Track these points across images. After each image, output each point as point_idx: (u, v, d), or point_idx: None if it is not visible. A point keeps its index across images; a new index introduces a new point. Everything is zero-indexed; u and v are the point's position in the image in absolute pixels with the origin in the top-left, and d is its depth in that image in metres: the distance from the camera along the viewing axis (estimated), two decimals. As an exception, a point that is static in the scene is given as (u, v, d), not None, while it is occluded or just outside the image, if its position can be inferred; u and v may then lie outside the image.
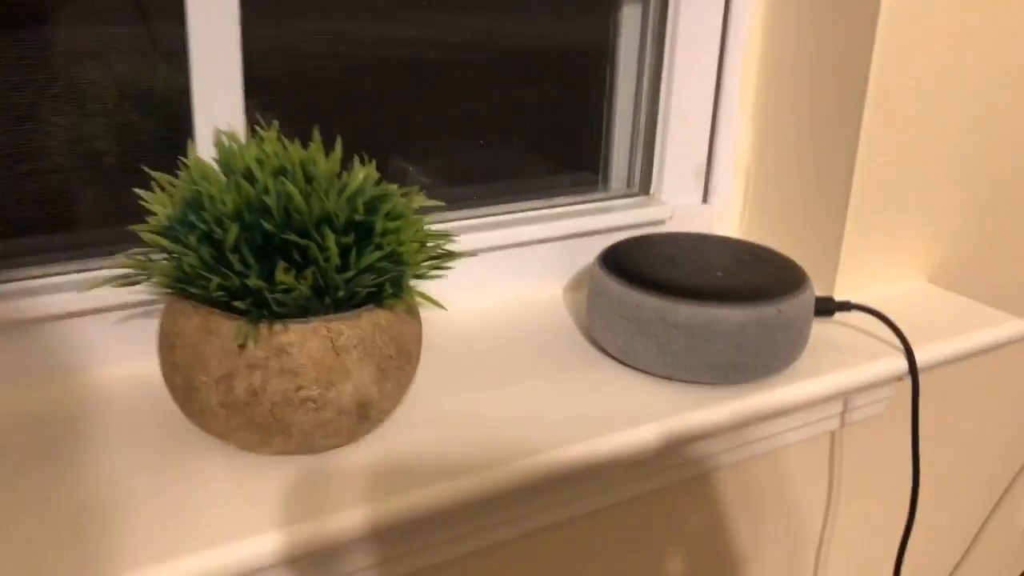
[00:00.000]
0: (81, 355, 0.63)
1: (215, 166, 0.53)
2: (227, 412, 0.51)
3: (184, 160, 0.53)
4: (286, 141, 0.54)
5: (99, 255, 0.65)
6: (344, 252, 0.51)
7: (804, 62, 0.80)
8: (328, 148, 0.55)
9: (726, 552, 0.88)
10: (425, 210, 0.57)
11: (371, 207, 0.53)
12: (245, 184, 0.50)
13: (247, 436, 0.52)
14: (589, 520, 0.75)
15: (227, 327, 0.50)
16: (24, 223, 0.63)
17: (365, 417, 0.54)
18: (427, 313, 0.75)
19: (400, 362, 0.54)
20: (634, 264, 0.69)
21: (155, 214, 0.52)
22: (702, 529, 0.84)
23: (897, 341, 0.74)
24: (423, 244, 0.55)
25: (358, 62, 0.73)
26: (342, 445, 0.56)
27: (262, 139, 0.54)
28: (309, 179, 0.53)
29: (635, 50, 0.85)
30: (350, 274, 0.51)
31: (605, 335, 0.69)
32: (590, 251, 0.82)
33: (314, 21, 0.70)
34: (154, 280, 0.51)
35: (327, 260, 0.50)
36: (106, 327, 0.63)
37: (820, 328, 0.76)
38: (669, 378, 0.67)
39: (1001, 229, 0.92)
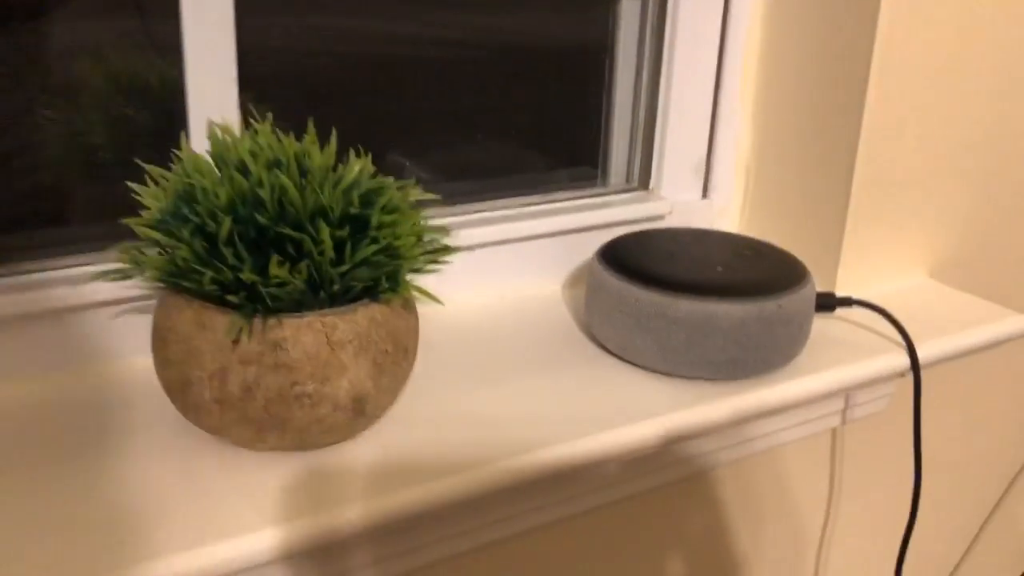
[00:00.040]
0: (75, 351, 0.63)
1: (208, 159, 0.53)
2: (221, 408, 0.50)
3: (177, 153, 0.53)
4: (280, 133, 0.54)
5: (92, 250, 0.64)
6: (339, 246, 0.50)
7: (805, 56, 0.80)
8: (323, 142, 0.54)
9: (725, 550, 0.87)
10: (422, 205, 0.56)
11: (367, 200, 0.53)
12: (239, 177, 0.50)
13: (241, 432, 0.51)
14: (587, 518, 0.75)
15: (220, 321, 0.49)
16: (16, 217, 0.63)
17: (361, 413, 0.53)
18: (424, 309, 0.75)
19: (396, 357, 0.54)
20: (633, 259, 0.68)
21: (148, 208, 0.51)
22: (701, 527, 0.84)
23: (899, 337, 0.73)
24: (420, 238, 0.54)
25: (355, 58, 0.72)
26: (338, 441, 0.56)
27: (256, 131, 0.53)
28: (304, 172, 0.52)
29: (634, 44, 0.85)
30: (345, 268, 0.50)
31: (604, 331, 0.68)
32: (589, 247, 0.82)
33: (311, 16, 0.69)
34: (147, 274, 0.50)
35: (322, 253, 0.49)
36: (99, 322, 0.63)
37: (821, 324, 0.76)
38: (669, 374, 0.66)
39: (1003, 224, 0.92)
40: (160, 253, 0.51)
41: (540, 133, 0.84)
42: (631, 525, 0.78)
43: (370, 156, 0.55)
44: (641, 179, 0.87)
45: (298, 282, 0.49)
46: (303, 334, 0.49)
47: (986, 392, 1.04)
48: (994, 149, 0.86)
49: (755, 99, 0.85)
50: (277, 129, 0.54)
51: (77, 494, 0.50)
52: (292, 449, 0.54)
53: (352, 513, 0.50)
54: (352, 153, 0.55)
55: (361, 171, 0.54)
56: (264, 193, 0.49)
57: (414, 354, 0.57)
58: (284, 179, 0.49)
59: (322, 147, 0.54)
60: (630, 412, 0.61)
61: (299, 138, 0.54)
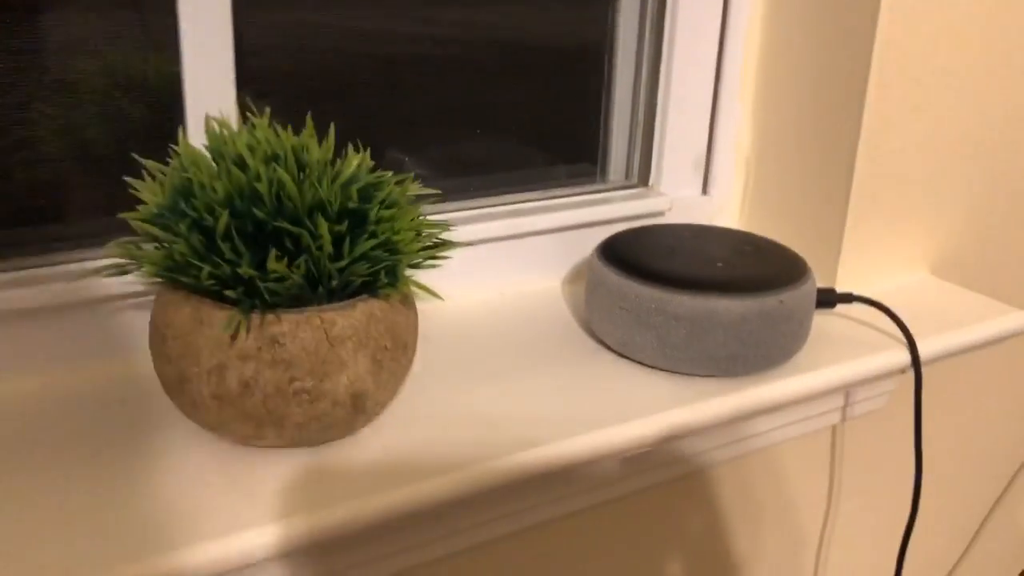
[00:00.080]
0: (71, 347, 0.62)
1: (206, 153, 0.52)
2: (219, 404, 0.50)
3: (175, 147, 0.52)
4: (278, 127, 0.53)
5: (88, 245, 0.64)
6: (338, 240, 0.50)
7: (805, 50, 0.79)
8: (321, 137, 0.54)
9: (725, 548, 0.87)
10: (421, 200, 0.56)
11: (365, 195, 0.52)
12: (236, 171, 0.49)
13: (240, 429, 0.51)
14: (586, 516, 0.75)
15: (218, 317, 0.49)
16: (12, 213, 0.62)
17: (360, 409, 0.53)
18: (422, 305, 0.74)
19: (396, 353, 0.53)
20: (633, 255, 0.68)
21: (145, 202, 0.51)
22: (700, 525, 0.84)
23: (900, 334, 0.73)
24: (419, 233, 0.54)
25: (354, 54, 0.72)
26: (337, 438, 0.55)
27: (254, 126, 0.53)
28: (302, 166, 0.51)
29: (634, 40, 0.84)
30: (344, 263, 0.50)
31: (604, 327, 0.68)
32: (588, 243, 0.82)
33: (309, 12, 0.69)
34: (144, 269, 0.50)
35: (320, 248, 0.49)
36: (96, 319, 0.62)
37: (821, 320, 0.75)
38: (668, 371, 0.66)
39: (1004, 220, 0.92)
40: (157, 248, 0.50)
41: (539, 129, 0.83)
42: (630, 523, 0.78)
43: (368, 151, 0.54)
44: (640, 175, 0.86)
45: (296, 277, 0.48)
46: (302, 330, 0.49)
47: (986, 389, 1.04)
48: (996, 145, 0.86)
49: (755, 94, 0.85)
50: (275, 123, 0.54)
51: (73, 491, 0.50)
52: (290, 446, 0.54)
53: (351, 510, 0.50)
54: (350, 148, 0.54)
55: (359, 165, 0.53)
56: (262, 187, 0.49)
57: (413, 350, 0.56)
58: (282, 173, 0.49)
59: (320, 142, 0.53)
60: (631, 409, 0.61)
61: (297, 133, 0.54)
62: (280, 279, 0.48)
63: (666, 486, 0.78)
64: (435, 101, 0.77)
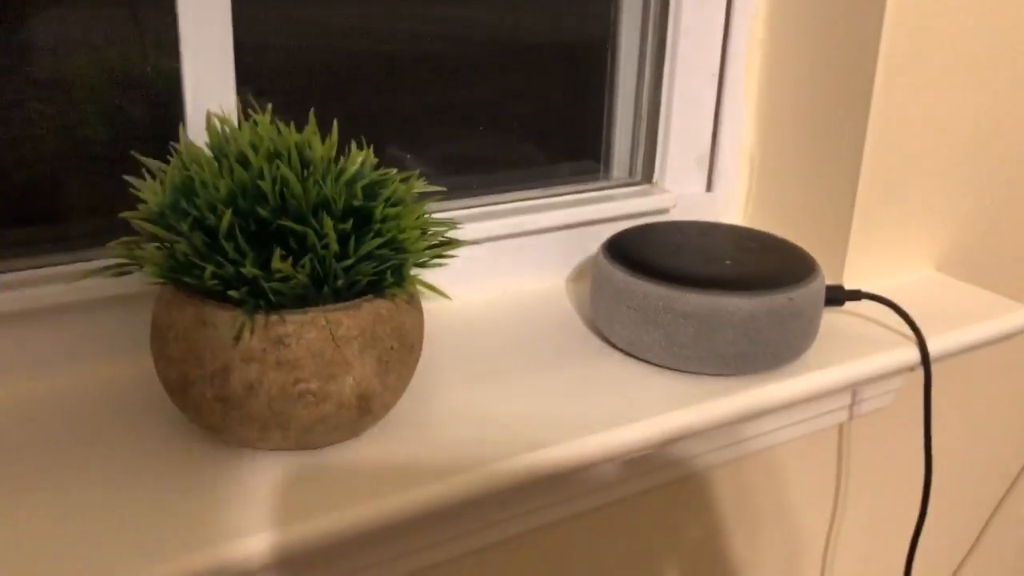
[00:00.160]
0: (71, 349, 0.61)
1: (207, 151, 0.51)
2: (223, 407, 0.49)
3: (175, 145, 0.51)
4: (280, 124, 0.52)
5: (89, 245, 0.63)
6: (343, 239, 0.49)
7: (810, 47, 0.78)
8: (324, 134, 0.53)
9: (729, 550, 0.86)
10: (425, 197, 0.55)
11: (370, 192, 0.51)
12: (239, 169, 0.48)
13: (244, 431, 0.50)
14: (589, 517, 0.74)
15: (222, 318, 0.48)
16: (10, 213, 0.61)
17: (366, 411, 0.52)
18: (427, 304, 0.74)
19: (402, 354, 0.52)
20: (639, 253, 0.67)
21: (146, 201, 0.50)
22: (707, 525, 0.83)
23: (909, 331, 0.72)
24: (424, 231, 0.53)
25: (355, 52, 0.71)
26: (343, 440, 0.54)
27: (256, 122, 0.52)
28: (305, 164, 0.51)
29: (637, 36, 0.83)
30: (349, 262, 0.49)
31: (610, 326, 0.67)
32: (592, 241, 0.81)
33: (312, 9, 0.68)
34: (146, 269, 0.49)
35: (325, 247, 0.48)
36: (97, 320, 0.61)
37: (828, 318, 0.74)
38: (676, 369, 0.65)
39: (1011, 217, 0.91)
40: (159, 248, 0.49)
41: (542, 126, 0.83)
42: (631, 523, 0.77)
43: (372, 148, 0.53)
44: (644, 172, 0.86)
45: (301, 277, 0.47)
46: (307, 330, 0.48)
47: (992, 386, 1.03)
48: (1003, 141, 0.85)
49: (759, 90, 0.84)
50: (277, 120, 0.53)
51: (72, 496, 0.49)
52: (296, 448, 0.53)
53: (358, 514, 0.49)
54: (354, 145, 0.53)
55: (364, 163, 0.52)
56: (265, 185, 0.48)
57: (419, 350, 0.55)
58: (286, 170, 0.48)
59: (323, 139, 0.52)
60: (641, 409, 0.60)
61: (299, 130, 0.53)
62: (285, 279, 0.47)
63: (670, 486, 0.78)
64: (437, 99, 0.76)
